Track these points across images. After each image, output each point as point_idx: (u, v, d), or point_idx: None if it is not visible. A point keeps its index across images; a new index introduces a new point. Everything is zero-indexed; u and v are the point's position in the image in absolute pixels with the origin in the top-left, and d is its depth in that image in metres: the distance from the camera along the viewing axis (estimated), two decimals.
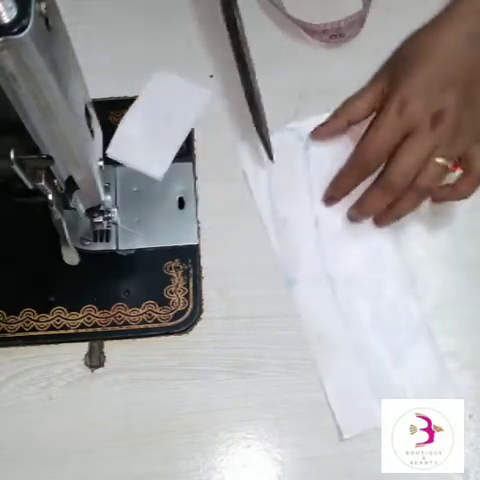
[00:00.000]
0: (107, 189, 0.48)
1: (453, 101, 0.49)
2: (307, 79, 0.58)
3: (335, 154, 0.55)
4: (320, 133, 0.55)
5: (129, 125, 0.56)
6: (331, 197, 0.53)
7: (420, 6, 0.60)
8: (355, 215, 0.53)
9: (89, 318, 0.51)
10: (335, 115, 0.54)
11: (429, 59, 0.50)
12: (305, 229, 0.53)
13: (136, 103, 0.56)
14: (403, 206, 0.51)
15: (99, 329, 0.51)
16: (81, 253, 0.47)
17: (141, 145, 0.55)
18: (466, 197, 0.50)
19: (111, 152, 0.54)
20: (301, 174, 0.55)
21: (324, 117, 0.55)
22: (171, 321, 0.51)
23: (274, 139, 0.55)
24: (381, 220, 0.52)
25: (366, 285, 0.52)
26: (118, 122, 0.56)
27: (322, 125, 0.54)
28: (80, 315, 0.51)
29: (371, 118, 0.52)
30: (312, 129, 0.55)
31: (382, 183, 0.50)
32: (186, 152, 0.56)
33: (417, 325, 0.51)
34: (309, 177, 0.55)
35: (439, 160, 0.49)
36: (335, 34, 0.57)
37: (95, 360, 0.50)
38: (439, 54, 0.50)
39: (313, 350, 0.50)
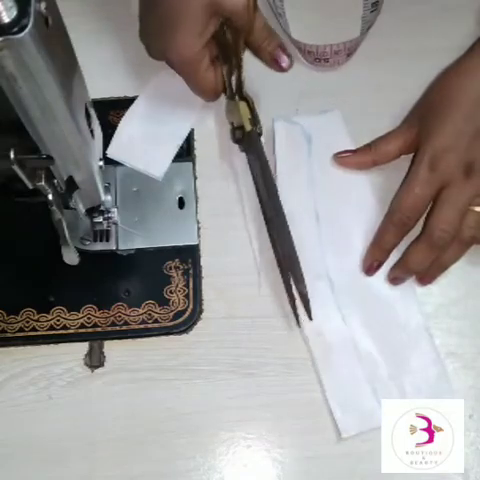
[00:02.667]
0: (107, 189, 0.48)
1: None
2: (308, 79, 0.58)
3: (337, 150, 0.55)
4: (344, 160, 0.54)
5: (129, 125, 0.56)
6: (371, 264, 0.52)
7: (420, 9, 0.60)
8: (399, 275, 0.51)
9: (89, 318, 0.51)
10: (363, 150, 0.54)
11: (456, 110, 0.50)
12: (306, 224, 0.53)
13: (136, 103, 0.56)
14: (448, 259, 0.50)
15: (99, 329, 0.51)
16: (81, 253, 0.47)
17: (141, 145, 0.55)
18: None
19: (111, 152, 0.54)
20: (303, 168, 0.55)
21: (324, 117, 0.56)
22: (171, 321, 0.51)
23: (278, 126, 0.55)
24: (426, 277, 0.51)
25: (366, 283, 0.52)
26: (118, 122, 0.56)
27: (348, 152, 0.54)
28: (80, 315, 0.51)
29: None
30: (315, 125, 0.56)
31: (426, 240, 0.50)
32: (186, 152, 0.56)
33: (417, 325, 0.51)
34: (311, 171, 0.55)
35: (478, 209, 0.49)
36: (319, 58, 0.57)
37: (95, 360, 0.50)
38: (465, 104, 0.50)
39: (312, 348, 0.50)
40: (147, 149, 0.55)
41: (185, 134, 0.56)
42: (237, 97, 0.53)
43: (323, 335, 0.50)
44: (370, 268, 0.52)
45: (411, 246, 0.51)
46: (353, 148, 0.55)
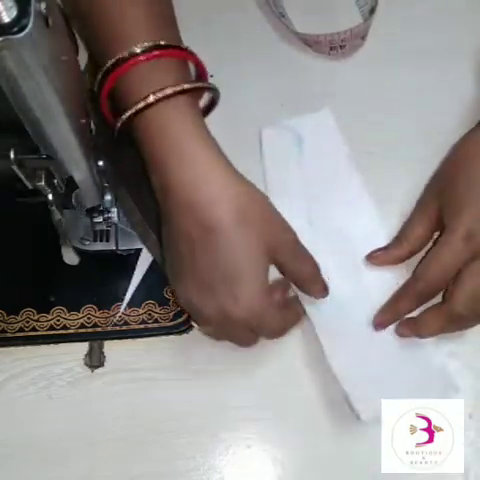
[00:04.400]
0: (107, 189, 0.48)
1: None
2: (308, 79, 0.58)
3: (329, 152, 0.55)
4: (379, 259, 0.52)
5: None
6: (383, 323, 0.50)
7: (420, 9, 0.60)
8: (407, 334, 0.49)
9: (89, 318, 0.51)
10: (395, 245, 0.52)
11: None
12: (299, 228, 0.53)
13: None
14: (466, 328, 0.49)
15: (99, 329, 0.51)
16: (81, 253, 0.47)
17: None
18: None
19: None
20: (295, 172, 0.55)
21: (315, 117, 0.56)
22: (171, 321, 0.51)
23: (265, 135, 0.55)
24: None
25: (363, 285, 0.52)
26: None
27: (381, 250, 0.52)
28: (80, 315, 0.51)
29: None
30: (306, 125, 0.55)
31: (446, 312, 0.47)
32: None
33: None
34: (303, 175, 0.55)
35: None
36: (334, 46, 0.57)
37: (95, 360, 0.50)
38: None
39: (318, 335, 0.49)
40: None
41: None
42: None
43: (329, 323, 0.50)
44: (380, 326, 0.50)
45: (429, 313, 0.49)
46: (344, 147, 0.55)
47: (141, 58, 0.43)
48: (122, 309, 0.51)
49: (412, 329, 0.49)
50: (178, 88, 0.43)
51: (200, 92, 0.47)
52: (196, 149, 0.44)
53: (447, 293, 0.48)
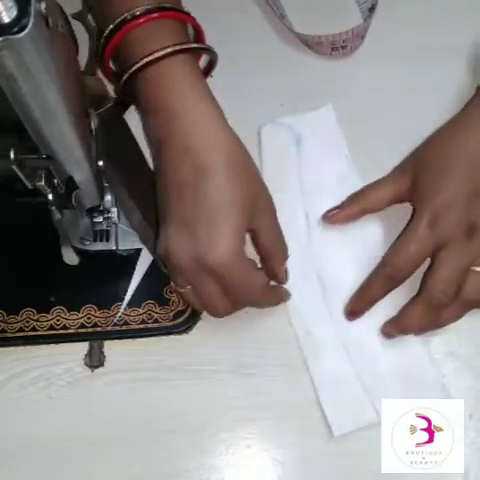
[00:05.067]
0: (107, 189, 0.48)
1: None
2: (307, 79, 0.58)
3: (329, 151, 0.55)
4: (333, 217, 0.53)
5: None
6: (354, 310, 0.50)
7: (420, 8, 0.60)
8: (392, 331, 0.50)
9: (89, 318, 0.51)
10: (350, 201, 0.53)
11: (454, 169, 0.49)
12: (295, 226, 0.53)
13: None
14: (447, 319, 0.49)
15: (99, 329, 0.51)
16: (81, 253, 0.47)
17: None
18: None
19: None
20: (292, 170, 0.55)
21: (316, 114, 0.56)
22: (171, 321, 0.51)
23: (264, 133, 0.55)
24: (421, 332, 0.50)
25: (357, 283, 0.52)
26: None
27: (336, 209, 0.53)
28: (80, 315, 0.51)
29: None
30: (305, 122, 0.55)
31: (424, 301, 0.48)
32: None
33: None
34: (300, 173, 0.55)
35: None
36: (335, 47, 0.57)
37: (95, 360, 0.50)
38: (463, 163, 0.49)
39: (302, 347, 0.50)
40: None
41: None
42: None
43: (312, 334, 0.50)
44: (351, 314, 0.50)
45: (408, 306, 0.49)
46: (344, 143, 0.55)
47: (141, 20, 0.47)
48: (122, 309, 0.51)
49: (396, 326, 0.50)
50: (178, 47, 0.47)
51: (199, 53, 0.52)
52: (196, 100, 0.47)
53: (423, 282, 0.49)
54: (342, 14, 0.60)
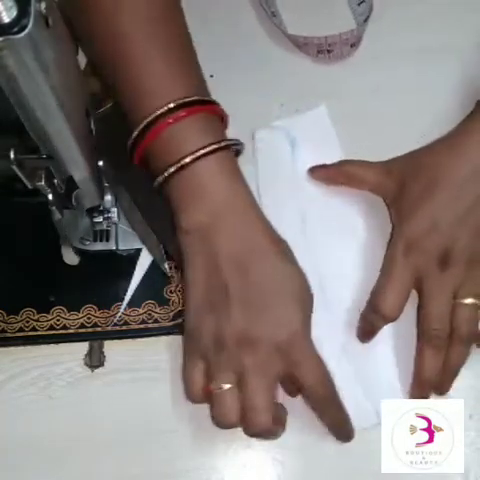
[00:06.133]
0: (107, 189, 0.48)
1: (463, 238, 0.47)
2: (306, 79, 0.58)
3: (324, 153, 0.55)
4: (315, 173, 0.54)
5: None
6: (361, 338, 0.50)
7: (420, 8, 0.60)
8: (422, 394, 0.48)
9: (89, 318, 0.51)
10: (333, 166, 0.53)
11: (437, 194, 0.47)
12: (292, 226, 0.53)
13: None
14: (456, 362, 0.48)
15: (99, 329, 0.51)
16: (81, 253, 0.47)
17: None
18: None
19: None
20: (287, 171, 0.55)
21: (310, 116, 0.56)
22: (171, 321, 0.51)
23: (259, 136, 0.55)
24: (443, 388, 0.48)
25: (355, 282, 0.52)
26: None
27: (320, 166, 0.54)
28: (80, 315, 0.51)
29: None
30: (299, 124, 0.55)
31: (426, 345, 0.48)
32: None
33: (407, 324, 0.50)
34: (295, 174, 0.55)
35: (467, 301, 0.47)
36: (321, 50, 0.57)
37: (95, 360, 0.50)
38: (448, 188, 0.47)
39: None
40: None
41: None
42: None
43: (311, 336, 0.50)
44: (364, 336, 0.50)
45: (417, 359, 0.49)
46: (338, 144, 0.55)
47: (170, 121, 0.44)
48: (122, 309, 0.51)
49: (418, 384, 0.48)
50: (216, 146, 0.45)
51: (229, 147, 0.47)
52: (236, 197, 0.46)
53: (418, 323, 0.49)
54: (338, 18, 0.60)
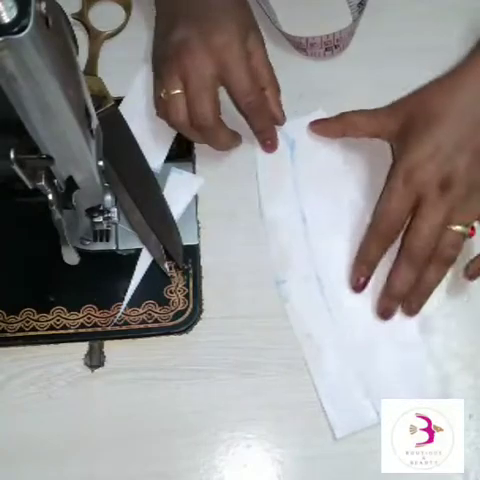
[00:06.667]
0: (107, 189, 0.48)
1: (463, 164, 0.48)
2: (305, 80, 0.58)
3: (321, 153, 0.55)
4: (315, 127, 0.55)
5: None
6: (359, 276, 0.51)
7: (420, 7, 0.60)
8: (387, 304, 0.50)
9: (89, 318, 0.51)
10: (335, 118, 0.55)
11: (435, 125, 0.49)
12: (293, 228, 0.53)
13: (127, 98, 0.56)
14: (430, 281, 0.49)
15: (99, 329, 0.51)
16: (81, 253, 0.47)
17: (136, 138, 0.55)
18: None
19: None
20: (287, 173, 0.55)
21: (308, 119, 0.56)
22: (171, 321, 0.51)
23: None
24: (413, 304, 0.50)
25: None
26: None
27: (321, 120, 0.55)
28: (80, 315, 0.51)
29: None
30: (299, 127, 0.56)
31: (404, 258, 0.49)
32: (186, 152, 0.56)
33: (407, 324, 0.51)
34: (295, 175, 0.55)
35: (456, 228, 0.49)
36: (329, 47, 0.57)
37: (95, 360, 0.50)
38: (446, 119, 0.49)
39: (303, 349, 0.50)
40: (142, 142, 0.55)
41: None
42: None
43: (312, 337, 0.50)
44: (357, 285, 0.51)
45: (391, 270, 0.50)
46: (338, 147, 0.55)
47: None
48: (122, 309, 0.51)
49: (386, 295, 0.50)
50: None
51: None
52: None
53: (402, 241, 0.50)
54: (330, 13, 0.60)
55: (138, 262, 0.52)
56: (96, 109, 0.48)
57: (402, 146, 0.51)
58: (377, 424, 0.48)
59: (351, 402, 0.48)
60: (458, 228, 0.49)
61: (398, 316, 0.51)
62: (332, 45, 0.57)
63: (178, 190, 0.54)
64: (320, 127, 0.55)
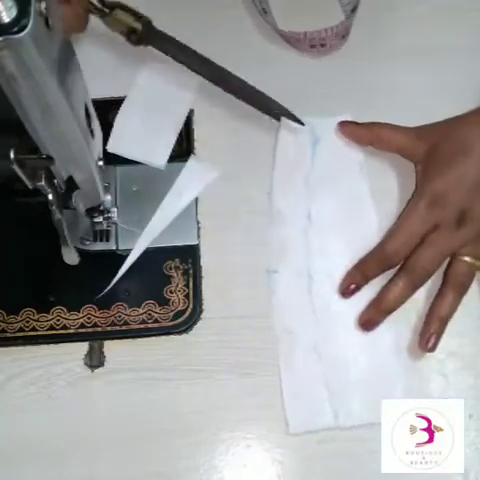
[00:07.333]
0: (107, 189, 0.48)
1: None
2: (312, 78, 0.58)
3: (341, 156, 0.55)
4: (343, 128, 0.55)
5: (125, 118, 0.56)
6: (351, 282, 0.50)
7: (427, 7, 0.60)
8: (372, 314, 0.50)
9: (89, 318, 0.51)
10: (365, 125, 0.54)
11: (468, 157, 0.49)
12: (296, 221, 0.53)
13: (129, 97, 0.56)
14: (446, 311, 0.49)
15: (99, 329, 0.51)
16: (81, 253, 0.47)
17: (140, 136, 0.55)
18: None
19: (111, 146, 0.54)
20: (304, 168, 0.55)
21: (338, 119, 0.55)
22: (171, 321, 0.51)
23: (284, 123, 0.54)
24: (432, 338, 0.49)
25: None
26: None
27: (351, 122, 0.55)
28: (80, 315, 0.51)
29: None
30: (326, 127, 0.55)
31: (405, 276, 0.49)
32: (186, 151, 0.56)
33: (387, 339, 0.50)
34: (311, 172, 0.55)
35: (465, 259, 0.49)
36: (314, 44, 0.57)
37: (95, 360, 0.50)
38: (475, 151, 0.49)
39: (279, 343, 0.50)
40: (146, 139, 0.55)
41: (182, 120, 0.56)
42: (106, 10, 0.46)
43: (291, 333, 0.50)
44: (346, 290, 0.50)
45: (387, 284, 0.50)
46: (359, 154, 0.55)
47: None
48: (110, 285, 0.51)
49: (375, 306, 0.50)
50: None
51: None
52: None
53: (404, 261, 0.50)
54: (326, 13, 0.60)
55: (138, 240, 0.52)
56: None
57: (427, 171, 0.51)
58: (377, 424, 0.48)
59: (311, 402, 0.48)
60: (468, 259, 0.49)
61: (379, 330, 0.50)
62: (317, 43, 0.57)
63: (194, 177, 0.54)
64: (349, 130, 0.55)
